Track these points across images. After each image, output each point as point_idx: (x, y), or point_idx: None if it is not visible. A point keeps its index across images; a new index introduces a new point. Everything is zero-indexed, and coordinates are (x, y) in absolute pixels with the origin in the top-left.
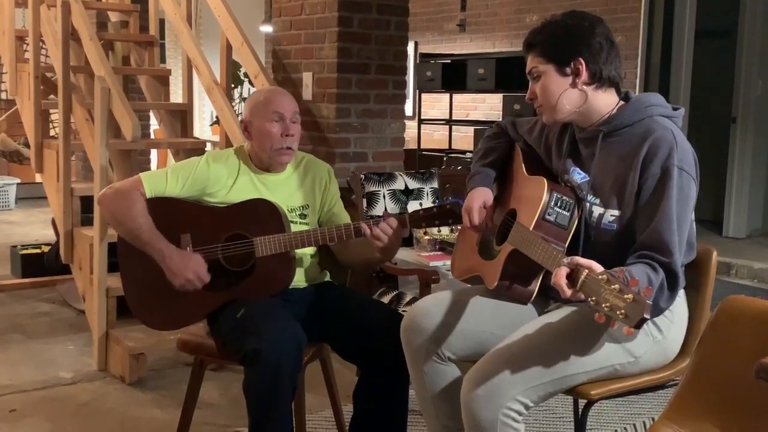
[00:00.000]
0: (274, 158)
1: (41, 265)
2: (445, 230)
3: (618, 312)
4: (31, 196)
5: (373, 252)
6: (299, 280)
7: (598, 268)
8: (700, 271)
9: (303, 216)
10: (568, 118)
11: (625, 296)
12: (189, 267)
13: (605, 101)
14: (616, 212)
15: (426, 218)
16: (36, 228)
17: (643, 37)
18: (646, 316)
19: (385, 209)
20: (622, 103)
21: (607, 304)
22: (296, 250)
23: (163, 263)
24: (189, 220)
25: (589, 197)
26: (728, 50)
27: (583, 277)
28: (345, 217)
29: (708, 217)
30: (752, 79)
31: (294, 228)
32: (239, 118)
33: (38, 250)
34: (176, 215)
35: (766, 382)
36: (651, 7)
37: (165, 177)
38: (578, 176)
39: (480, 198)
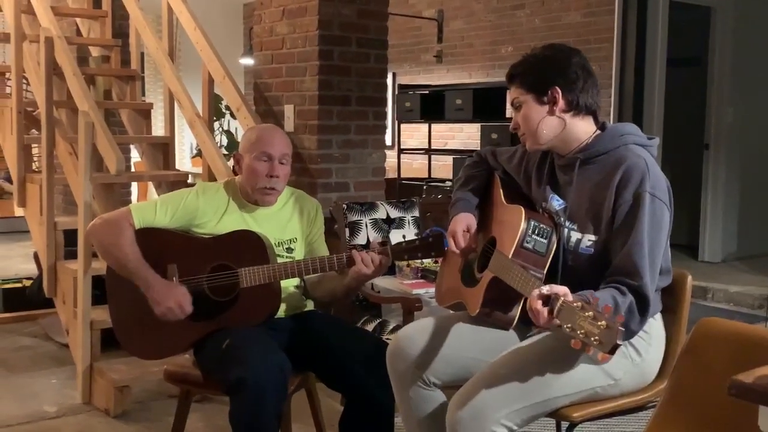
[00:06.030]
0: (257, 196)
1: (22, 300)
2: (427, 259)
3: (593, 338)
4: (10, 230)
5: (342, 285)
6: (283, 309)
7: (570, 296)
8: (675, 294)
9: (289, 250)
10: (549, 144)
11: (599, 323)
12: (171, 296)
13: (583, 129)
14: (593, 237)
15: (408, 250)
16: (16, 262)
17: (616, 66)
18: (619, 342)
19: (370, 240)
20: (598, 132)
21: (582, 331)
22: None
23: (147, 292)
24: (176, 251)
25: (567, 223)
26: (699, 78)
27: (558, 304)
28: (323, 252)
29: (683, 241)
30: (723, 106)
31: (279, 261)
32: (223, 150)
33: (19, 284)
34: (164, 245)
35: (739, 399)
36: (623, 36)
37: (154, 208)
38: (556, 203)
39: (463, 222)
